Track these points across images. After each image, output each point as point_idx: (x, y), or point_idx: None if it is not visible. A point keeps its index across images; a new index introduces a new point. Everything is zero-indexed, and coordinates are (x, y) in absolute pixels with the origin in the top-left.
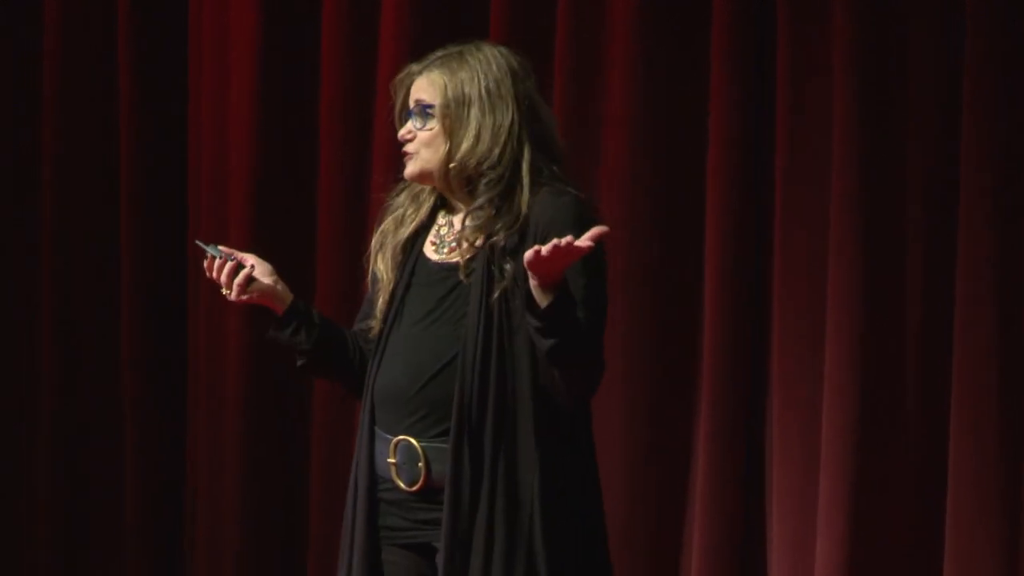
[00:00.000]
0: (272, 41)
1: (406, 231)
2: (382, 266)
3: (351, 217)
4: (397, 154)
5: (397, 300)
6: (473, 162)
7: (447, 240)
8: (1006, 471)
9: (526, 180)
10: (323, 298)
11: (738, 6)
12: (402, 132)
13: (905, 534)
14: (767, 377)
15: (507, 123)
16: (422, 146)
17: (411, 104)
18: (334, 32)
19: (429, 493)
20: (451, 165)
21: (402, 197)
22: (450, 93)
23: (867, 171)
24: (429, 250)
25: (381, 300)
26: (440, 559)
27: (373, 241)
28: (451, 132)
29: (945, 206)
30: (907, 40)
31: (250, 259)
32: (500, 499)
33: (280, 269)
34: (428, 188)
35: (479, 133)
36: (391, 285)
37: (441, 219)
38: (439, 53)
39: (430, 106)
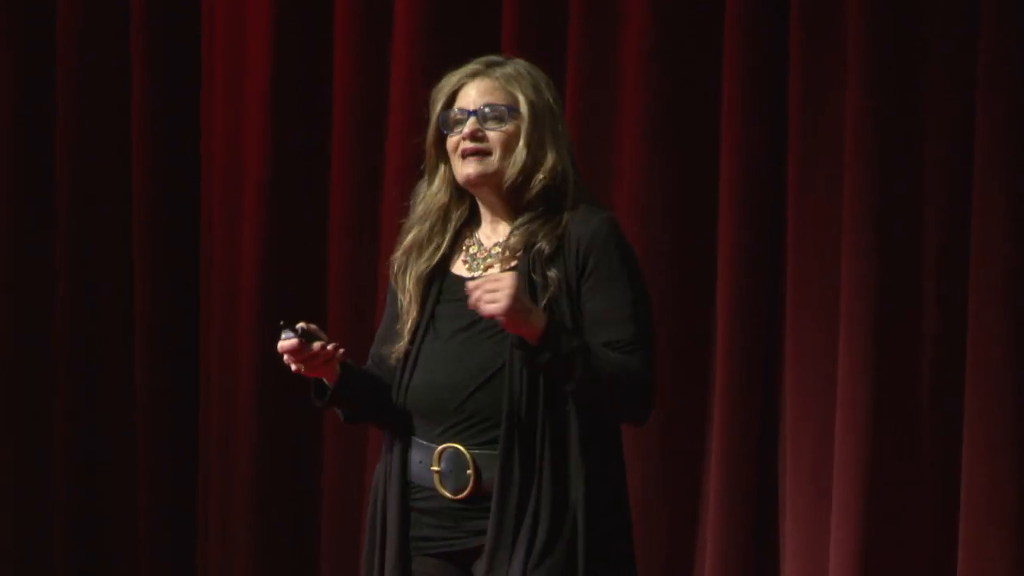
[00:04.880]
0: (285, 45)
1: (437, 255)
2: (410, 287)
3: (362, 219)
4: (409, 162)
5: (427, 316)
6: (549, 175)
7: (480, 258)
8: (1020, 480)
9: (571, 195)
10: (335, 302)
11: (750, 6)
12: (468, 129)
13: (918, 543)
14: (780, 385)
15: (567, 139)
16: (498, 146)
17: (472, 105)
18: (347, 36)
19: (475, 500)
20: (539, 177)
21: (419, 215)
22: (534, 100)
23: (880, 176)
24: (461, 269)
25: (409, 320)
26: (481, 564)
27: (395, 262)
28: (530, 140)
29: (958, 212)
30: (921, 41)
31: (319, 333)
32: (545, 507)
33: (292, 273)
34: (459, 209)
35: (558, 146)
36: (419, 304)
37: (468, 241)
38: (489, 59)
39: (512, 109)
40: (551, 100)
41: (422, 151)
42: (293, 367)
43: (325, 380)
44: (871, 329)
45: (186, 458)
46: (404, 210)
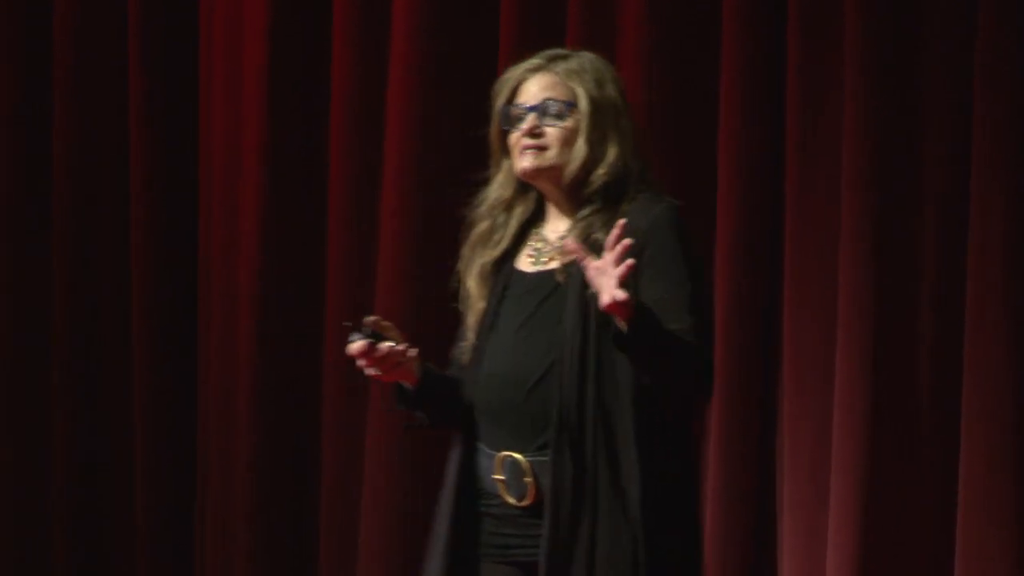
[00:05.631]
0: (283, 43)
1: (497, 249)
2: (471, 283)
3: (360, 212)
4: (407, 159)
5: (491, 312)
6: (617, 172)
7: (544, 252)
8: (1018, 481)
9: (633, 187)
10: (333, 297)
11: (749, 6)
12: (526, 126)
13: (917, 544)
14: (779, 384)
15: (633, 135)
16: (556, 142)
17: (531, 101)
18: (345, 34)
19: (540, 507)
20: (600, 171)
21: (485, 209)
22: (595, 95)
23: (879, 176)
24: (526, 264)
25: (471, 316)
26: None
27: (462, 258)
28: (590, 136)
29: (958, 212)
30: (921, 41)
31: (394, 331)
32: (603, 511)
33: (292, 273)
34: (522, 204)
35: (620, 141)
36: (483, 301)
37: (534, 236)
38: (552, 53)
39: (571, 104)
40: (615, 94)
41: (487, 144)
42: (366, 371)
43: (405, 384)
44: (870, 329)
45: (185, 458)
46: (401, 208)
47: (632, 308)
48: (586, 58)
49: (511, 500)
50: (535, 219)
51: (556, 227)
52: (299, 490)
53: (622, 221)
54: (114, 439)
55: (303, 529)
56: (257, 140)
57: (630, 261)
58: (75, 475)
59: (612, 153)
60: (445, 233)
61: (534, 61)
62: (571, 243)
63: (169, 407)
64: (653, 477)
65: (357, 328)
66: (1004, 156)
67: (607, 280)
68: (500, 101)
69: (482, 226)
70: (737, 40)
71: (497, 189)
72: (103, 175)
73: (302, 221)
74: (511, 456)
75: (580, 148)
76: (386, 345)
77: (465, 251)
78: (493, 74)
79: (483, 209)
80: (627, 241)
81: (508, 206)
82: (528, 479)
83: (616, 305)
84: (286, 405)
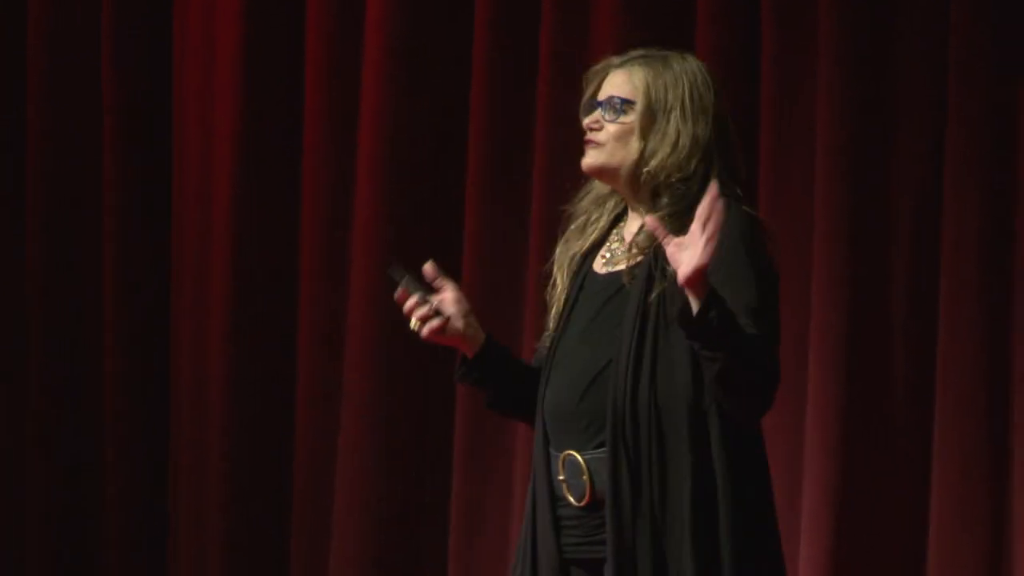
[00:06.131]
0: (257, 47)
1: (586, 241)
2: (558, 275)
3: (336, 216)
4: (380, 163)
5: (565, 314)
6: (667, 170)
7: (617, 253)
8: (992, 476)
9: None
10: (306, 305)
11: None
12: (588, 120)
13: (890, 539)
14: None
15: (704, 137)
16: (611, 138)
17: (602, 96)
18: (320, 27)
19: (597, 507)
20: (646, 170)
21: (585, 203)
22: (653, 95)
23: (854, 168)
24: (598, 266)
25: (554, 310)
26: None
27: (557, 249)
28: (646, 133)
29: (932, 206)
30: (895, 32)
31: (447, 293)
32: (658, 509)
33: (265, 260)
34: (612, 200)
35: (678, 141)
36: (563, 296)
37: (614, 235)
38: (641, 52)
39: (628, 101)
40: (686, 97)
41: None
42: (411, 323)
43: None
44: (844, 322)
45: (159, 449)
46: (375, 201)
47: (707, 285)
48: (670, 58)
49: (572, 500)
50: (621, 219)
51: (632, 229)
52: (273, 480)
53: (714, 186)
54: (97, 440)
55: (278, 519)
56: (230, 130)
57: (714, 228)
58: (59, 476)
59: (662, 153)
60: (421, 230)
61: (616, 58)
62: (652, 220)
63: (144, 399)
64: (704, 475)
65: (396, 271)
66: (978, 150)
67: (689, 251)
68: (585, 96)
69: (578, 220)
70: (711, 30)
71: (597, 185)
72: (78, 178)
73: (275, 222)
74: (571, 455)
75: (633, 145)
76: (412, 299)
77: (561, 245)
78: (468, 72)
79: (582, 204)
80: (719, 213)
81: (603, 202)
82: (584, 477)
83: (696, 273)
84: (259, 396)
